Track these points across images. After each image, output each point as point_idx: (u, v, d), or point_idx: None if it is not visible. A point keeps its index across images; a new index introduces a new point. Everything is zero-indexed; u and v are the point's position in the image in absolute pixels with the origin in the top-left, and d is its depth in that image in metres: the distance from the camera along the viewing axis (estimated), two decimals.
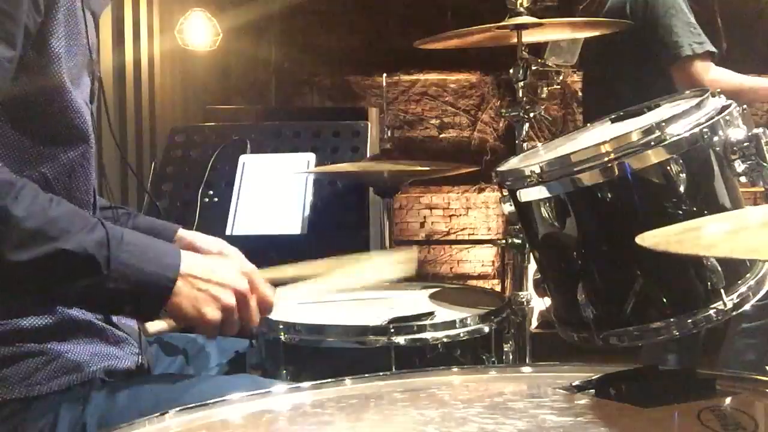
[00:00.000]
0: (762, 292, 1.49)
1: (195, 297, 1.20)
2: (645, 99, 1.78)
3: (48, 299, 1.24)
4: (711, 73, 2.72)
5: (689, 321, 1.45)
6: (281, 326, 1.61)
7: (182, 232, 1.61)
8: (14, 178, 1.14)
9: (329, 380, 1.09)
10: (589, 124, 1.86)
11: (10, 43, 1.18)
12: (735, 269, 1.47)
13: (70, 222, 1.14)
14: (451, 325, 1.59)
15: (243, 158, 2.85)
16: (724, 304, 1.43)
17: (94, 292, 1.15)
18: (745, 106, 1.54)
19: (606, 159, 1.43)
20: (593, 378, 1.02)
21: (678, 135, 1.43)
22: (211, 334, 1.24)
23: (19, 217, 1.09)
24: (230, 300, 1.23)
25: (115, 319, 1.40)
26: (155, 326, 1.29)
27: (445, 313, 1.69)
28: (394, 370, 1.50)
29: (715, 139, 1.45)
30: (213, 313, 1.21)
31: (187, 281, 1.20)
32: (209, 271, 1.23)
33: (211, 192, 2.85)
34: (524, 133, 2.05)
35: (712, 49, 2.72)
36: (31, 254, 1.09)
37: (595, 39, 2.58)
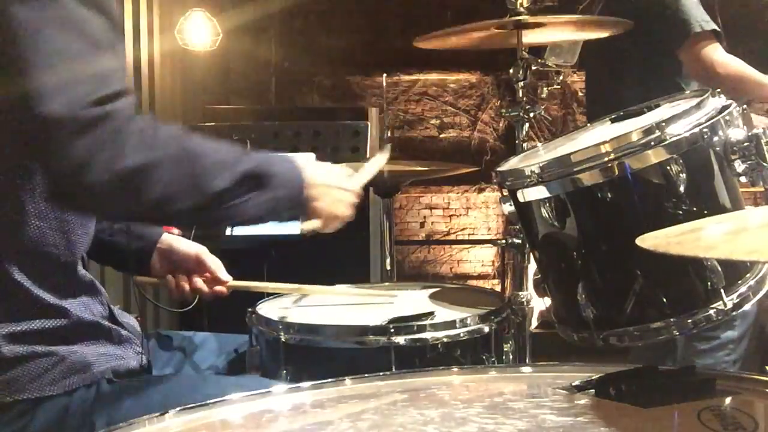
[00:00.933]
0: (762, 292, 1.49)
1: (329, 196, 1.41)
2: (649, 93, 1.77)
3: (246, 222, 1.35)
4: (720, 54, 2.70)
5: (689, 321, 1.45)
6: (281, 326, 1.61)
7: (165, 236, 1.69)
8: (178, 127, 1.27)
9: (329, 380, 1.09)
10: (589, 124, 1.86)
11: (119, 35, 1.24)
12: (735, 269, 1.47)
13: (232, 150, 1.29)
14: (451, 325, 1.59)
15: None
16: (724, 304, 1.43)
17: (270, 202, 1.28)
18: (745, 105, 1.54)
19: (606, 159, 1.43)
20: (593, 378, 1.02)
21: (678, 135, 1.43)
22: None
23: (200, 152, 1.23)
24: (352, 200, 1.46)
25: (118, 318, 1.41)
26: (309, 226, 1.45)
27: (445, 313, 1.69)
28: (394, 370, 1.50)
29: (715, 139, 1.45)
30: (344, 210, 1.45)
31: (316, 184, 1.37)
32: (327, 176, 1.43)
33: None
34: (524, 133, 2.05)
35: (719, 29, 2.70)
36: (223, 181, 1.21)
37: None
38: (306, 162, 1.39)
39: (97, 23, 1.15)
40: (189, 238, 1.72)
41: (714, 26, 2.70)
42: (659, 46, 2.74)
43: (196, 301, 1.84)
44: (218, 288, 1.70)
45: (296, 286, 1.80)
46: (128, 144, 1.12)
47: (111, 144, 1.10)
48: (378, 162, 1.71)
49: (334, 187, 1.42)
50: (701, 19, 2.69)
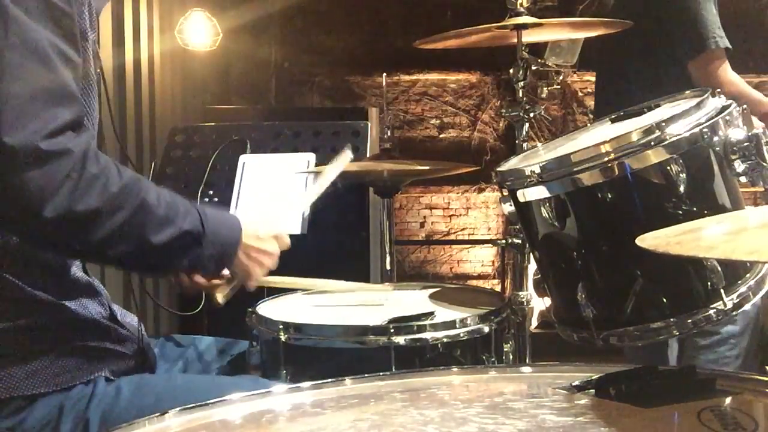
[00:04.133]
0: (762, 292, 1.49)
1: (252, 259, 1.46)
2: (656, 95, 1.77)
3: (167, 272, 1.46)
4: (729, 73, 2.71)
5: (689, 321, 1.45)
6: (281, 326, 1.61)
7: None
8: (136, 174, 1.28)
9: (329, 380, 1.09)
10: (588, 124, 1.86)
11: (76, 47, 1.22)
12: (735, 269, 1.47)
13: (180, 205, 1.31)
14: (451, 325, 1.59)
15: (243, 158, 2.85)
16: (724, 304, 1.43)
17: (197, 258, 1.34)
18: (744, 105, 1.54)
19: (606, 159, 1.43)
20: (593, 378, 1.02)
21: (678, 135, 1.43)
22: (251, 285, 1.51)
23: (153, 205, 1.25)
24: (271, 265, 1.50)
25: (119, 317, 1.41)
26: (223, 294, 1.52)
27: (445, 313, 1.69)
28: (394, 370, 1.50)
29: (715, 139, 1.45)
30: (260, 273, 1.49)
31: (244, 246, 1.43)
32: (259, 240, 1.48)
33: (211, 192, 2.85)
34: (524, 133, 2.05)
35: (730, 46, 2.71)
36: (165, 236, 1.26)
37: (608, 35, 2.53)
38: (246, 221, 1.45)
39: (54, 41, 1.17)
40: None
41: (727, 44, 2.70)
42: (671, 54, 2.73)
43: (202, 304, 1.83)
44: (216, 281, 1.60)
45: (297, 280, 1.78)
46: (87, 186, 1.16)
47: (70, 183, 1.14)
48: (338, 166, 1.74)
49: (262, 251, 1.47)
50: (717, 35, 2.68)
